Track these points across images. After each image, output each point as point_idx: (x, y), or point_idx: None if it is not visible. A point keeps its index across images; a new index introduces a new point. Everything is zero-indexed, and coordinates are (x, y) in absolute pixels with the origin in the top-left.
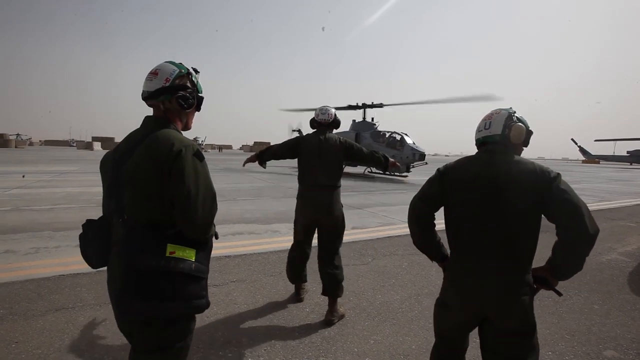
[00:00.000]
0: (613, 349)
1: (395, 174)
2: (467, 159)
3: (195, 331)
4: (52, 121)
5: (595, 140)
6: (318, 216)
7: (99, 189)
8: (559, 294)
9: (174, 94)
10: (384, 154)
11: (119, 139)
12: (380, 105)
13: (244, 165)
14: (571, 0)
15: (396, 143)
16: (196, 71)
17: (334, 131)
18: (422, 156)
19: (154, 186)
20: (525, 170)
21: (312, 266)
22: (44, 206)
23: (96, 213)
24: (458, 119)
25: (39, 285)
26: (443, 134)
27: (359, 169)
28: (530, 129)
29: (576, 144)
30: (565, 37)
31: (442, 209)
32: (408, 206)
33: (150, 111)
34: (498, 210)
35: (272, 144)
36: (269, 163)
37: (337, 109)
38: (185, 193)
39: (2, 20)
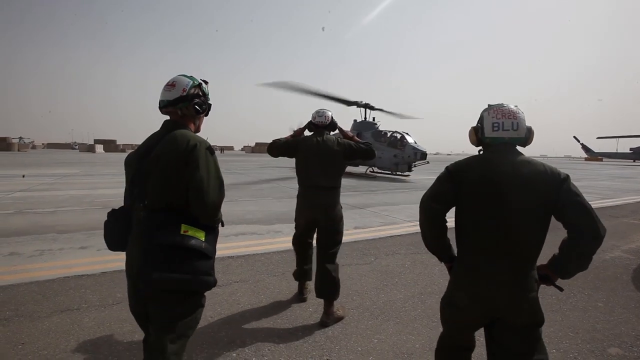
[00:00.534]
0: (617, 347)
1: (397, 173)
2: (477, 159)
3: (198, 330)
4: (54, 124)
5: (598, 138)
6: (317, 217)
7: (102, 192)
8: (561, 289)
9: (191, 102)
10: (365, 142)
11: (120, 141)
12: (372, 108)
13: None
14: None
15: (397, 142)
16: (205, 82)
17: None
18: (423, 155)
19: (173, 173)
20: (536, 171)
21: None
22: (47, 209)
23: (100, 215)
24: (459, 117)
25: (44, 287)
26: (444, 133)
27: (361, 169)
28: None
29: (578, 141)
30: (566, 33)
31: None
32: (414, 206)
33: (149, 115)
34: (510, 211)
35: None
36: (270, 163)
37: (343, 101)
38: (199, 178)
39: (2, 22)
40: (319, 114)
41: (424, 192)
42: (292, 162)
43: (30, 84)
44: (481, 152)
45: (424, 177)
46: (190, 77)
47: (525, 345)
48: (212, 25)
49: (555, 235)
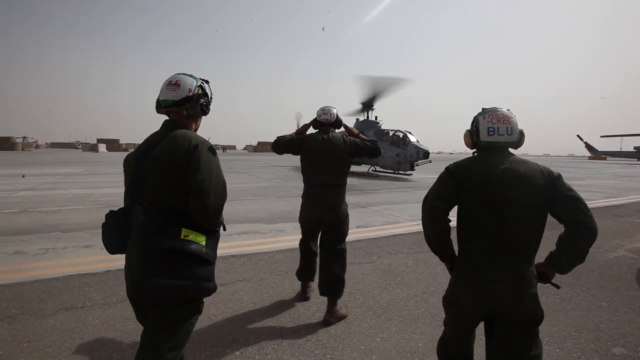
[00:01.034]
0: (622, 346)
1: (400, 172)
2: (475, 159)
3: (202, 329)
4: (57, 124)
5: (602, 137)
6: (322, 215)
7: (105, 191)
8: (557, 287)
9: (197, 102)
10: (371, 140)
11: (123, 140)
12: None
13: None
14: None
15: (400, 141)
16: (206, 81)
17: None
18: (426, 154)
19: (173, 174)
20: (532, 169)
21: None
22: (52, 208)
23: (103, 214)
24: (461, 116)
25: (49, 285)
26: (447, 131)
27: (363, 168)
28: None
29: (582, 140)
30: (569, 30)
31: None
32: (416, 205)
33: (150, 113)
34: (509, 209)
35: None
36: (272, 161)
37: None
38: (200, 179)
39: (3, 23)
40: (324, 111)
41: (427, 191)
42: (294, 161)
43: (33, 84)
44: (475, 154)
45: (426, 176)
46: (191, 76)
47: (524, 341)
48: (213, 23)
49: (552, 236)
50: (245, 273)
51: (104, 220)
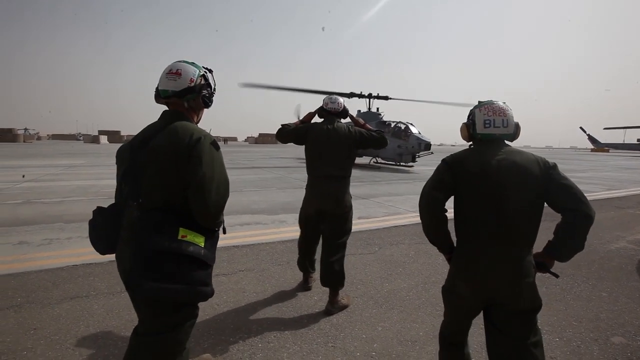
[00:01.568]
0: (621, 335)
1: (401, 164)
2: (472, 151)
3: (205, 319)
4: (58, 115)
5: (605, 129)
6: (325, 207)
7: (107, 182)
8: (556, 275)
9: (199, 93)
10: (377, 130)
11: (125, 132)
12: (387, 98)
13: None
14: None
15: (401, 133)
16: (210, 70)
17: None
18: (427, 146)
19: (173, 169)
20: (529, 160)
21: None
22: (55, 199)
23: (105, 205)
24: (464, 107)
25: (54, 274)
26: (448, 123)
27: (365, 160)
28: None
29: (585, 132)
30: (572, 22)
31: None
32: (417, 196)
33: (151, 104)
34: (506, 200)
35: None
36: (274, 154)
37: (339, 94)
38: (202, 175)
39: (5, 15)
40: (332, 100)
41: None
42: (296, 153)
43: (34, 76)
44: (472, 147)
45: (427, 167)
46: (194, 65)
47: (523, 329)
48: (216, 16)
49: (552, 228)
50: (248, 263)
51: (91, 217)
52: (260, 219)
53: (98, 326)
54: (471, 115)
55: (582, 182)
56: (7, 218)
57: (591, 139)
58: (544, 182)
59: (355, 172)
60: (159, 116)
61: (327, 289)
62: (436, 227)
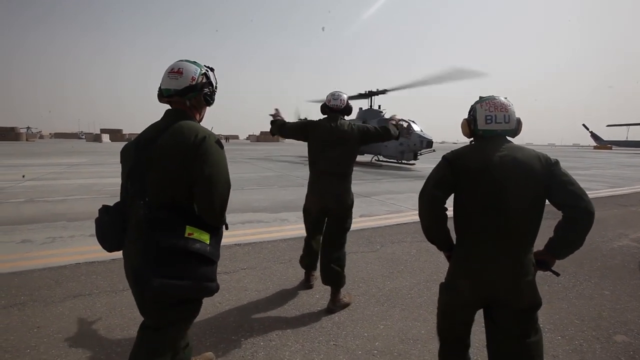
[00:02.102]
0: (624, 334)
1: (403, 161)
2: (473, 147)
3: (207, 316)
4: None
5: (608, 126)
6: (328, 205)
7: (110, 181)
8: (557, 274)
9: (201, 92)
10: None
11: (127, 131)
12: (384, 92)
13: (271, 116)
14: None
15: (403, 130)
16: (211, 69)
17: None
18: (429, 143)
19: (178, 167)
20: (530, 157)
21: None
22: (57, 197)
23: (108, 203)
24: (462, 103)
25: (57, 273)
26: (449, 120)
27: (367, 157)
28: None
29: (588, 129)
30: (574, 18)
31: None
32: (419, 195)
33: (153, 104)
34: (507, 196)
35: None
36: (275, 152)
37: (355, 97)
38: (208, 173)
39: (6, 14)
40: (334, 96)
41: None
42: (298, 151)
43: (36, 75)
44: (473, 143)
45: (429, 165)
46: (195, 63)
47: (524, 328)
48: (217, 14)
49: (551, 225)
50: (250, 261)
51: (97, 216)
52: (262, 217)
53: (100, 324)
54: (472, 110)
55: (585, 179)
56: (11, 216)
57: (594, 136)
58: (546, 178)
59: (356, 170)
60: (161, 115)
61: (328, 288)
62: (436, 225)
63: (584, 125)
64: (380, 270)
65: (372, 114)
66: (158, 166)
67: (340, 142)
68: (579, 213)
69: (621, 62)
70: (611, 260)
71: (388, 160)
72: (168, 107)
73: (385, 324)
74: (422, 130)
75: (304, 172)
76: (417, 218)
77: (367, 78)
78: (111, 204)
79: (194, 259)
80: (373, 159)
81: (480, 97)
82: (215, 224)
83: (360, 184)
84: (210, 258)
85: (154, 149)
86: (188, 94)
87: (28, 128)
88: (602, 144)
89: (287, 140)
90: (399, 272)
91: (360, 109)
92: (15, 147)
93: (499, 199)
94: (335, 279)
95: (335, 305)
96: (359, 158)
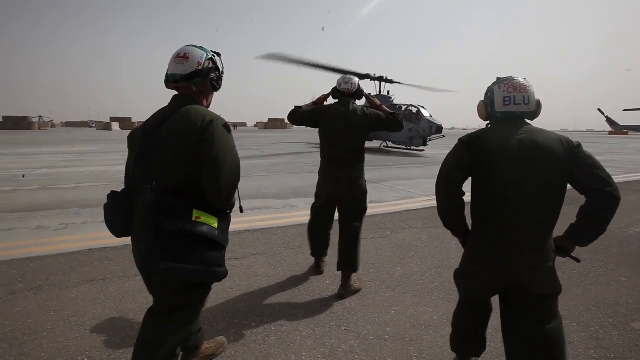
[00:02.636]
0: None
1: (412, 147)
2: (491, 130)
3: (218, 302)
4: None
5: (624, 110)
6: (341, 192)
7: (120, 168)
8: (578, 260)
9: (207, 77)
10: (392, 113)
11: (136, 119)
12: (391, 82)
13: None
14: None
15: (413, 116)
16: (218, 54)
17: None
18: (439, 129)
19: (185, 151)
20: (552, 139)
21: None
22: (70, 185)
23: (119, 190)
24: (476, 89)
25: (71, 258)
26: (459, 106)
27: (375, 144)
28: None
29: (603, 114)
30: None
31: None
32: (429, 180)
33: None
34: (529, 180)
35: (285, 121)
36: (283, 138)
37: (354, 74)
38: (214, 156)
39: (18, 5)
40: (345, 80)
41: (440, 167)
42: (305, 138)
43: (46, 65)
44: (489, 126)
45: (438, 151)
46: (202, 48)
47: (542, 315)
48: (224, 3)
49: (569, 211)
50: (259, 247)
51: (105, 202)
52: (270, 203)
53: (114, 308)
54: (489, 92)
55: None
56: (25, 203)
57: (609, 121)
58: (568, 162)
59: (366, 156)
60: (169, 101)
61: (339, 274)
62: (454, 209)
63: (599, 110)
64: (390, 256)
65: (381, 99)
66: (165, 150)
67: (353, 128)
68: (604, 198)
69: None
70: (628, 247)
71: (397, 146)
72: (175, 93)
73: (397, 309)
74: (431, 116)
75: (312, 159)
76: (427, 204)
77: (374, 65)
78: (119, 190)
79: (202, 243)
80: (382, 145)
81: (498, 78)
82: (222, 208)
83: (370, 170)
84: (218, 242)
85: (161, 134)
86: (194, 78)
87: (40, 117)
88: (618, 129)
89: (296, 128)
90: (410, 258)
91: (370, 94)
92: (29, 137)
93: (520, 184)
94: (352, 265)
95: (346, 290)
96: (368, 144)
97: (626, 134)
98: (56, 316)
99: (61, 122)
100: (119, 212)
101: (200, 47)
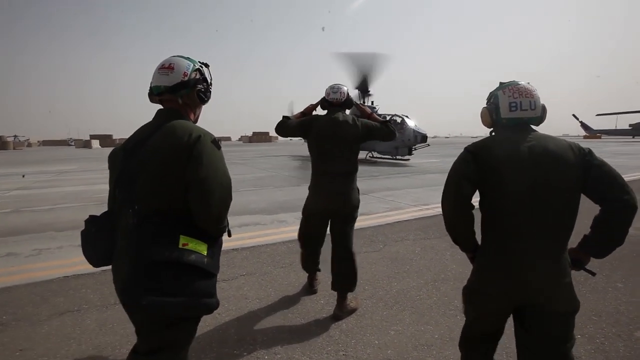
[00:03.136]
0: None
1: (398, 157)
2: (498, 139)
3: (206, 330)
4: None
5: (597, 115)
6: (334, 207)
7: (99, 187)
8: (593, 273)
9: (193, 88)
10: (383, 122)
11: (117, 136)
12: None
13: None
14: None
15: (397, 126)
16: (206, 65)
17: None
18: (424, 138)
19: (171, 171)
20: (562, 146)
21: (324, 255)
22: (45, 206)
23: (98, 211)
24: (452, 100)
25: (43, 288)
26: (441, 115)
27: (361, 154)
28: None
29: (577, 119)
30: (560, 5)
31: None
32: (417, 190)
33: (147, 105)
34: (542, 191)
35: (270, 134)
36: (268, 152)
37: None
38: (203, 176)
39: (1, 21)
40: (334, 89)
41: (426, 175)
42: (291, 150)
43: (27, 82)
44: (493, 134)
45: (424, 160)
46: (188, 59)
47: (561, 333)
48: (210, 20)
49: (580, 221)
50: (249, 267)
51: (83, 228)
52: (259, 219)
53: (90, 343)
54: (493, 98)
55: None
56: None
57: (584, 125)
58: (581, 169)
59: None
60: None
61: (333, 292)
62: (463, 222)
63: (574, 115)
64: (385, 270)
65: None
66: (148, 170)
67: (344, 139)
68: (620, 207)
69: (608, 52)
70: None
71: (383, 156)
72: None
73: (396, 329)
74: (416, 125)
75: (297, 172)
76: (417, 214)
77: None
78: (98, 213)
79: (190, 273)
80: (367, 156)
81: (501, 83)
82: (213, 233)
83: (357, 181)
84: (207, 270)
85: (144, 152)
86: (180, 90)
87: (15, 136)
88: (591, 133)
89: (281, 139)
90: (405, 272)
91: (361, 102)
92: (3, 156)
93: (532, 194)
94: (348, 284)
95: (342, 311)
96: None
97: (599, 137)
98: (24, 356)
99: (38, 141)
100: (98, 239)
101: (187, 58)
